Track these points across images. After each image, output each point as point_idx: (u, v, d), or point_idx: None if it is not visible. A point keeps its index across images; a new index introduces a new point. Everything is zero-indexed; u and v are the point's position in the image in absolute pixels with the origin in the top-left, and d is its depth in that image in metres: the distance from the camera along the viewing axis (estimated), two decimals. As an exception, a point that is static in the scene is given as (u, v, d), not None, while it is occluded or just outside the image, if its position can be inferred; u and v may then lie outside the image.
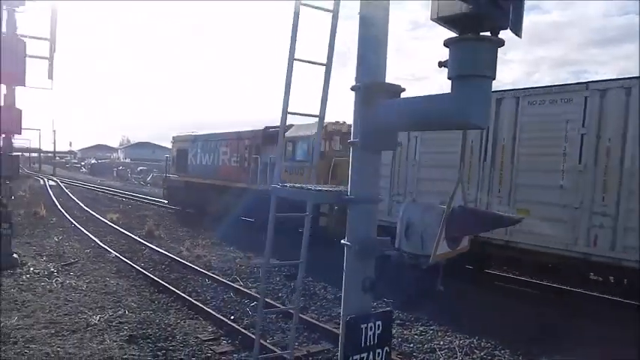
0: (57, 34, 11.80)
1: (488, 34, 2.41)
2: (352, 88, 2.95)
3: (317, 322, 8.02)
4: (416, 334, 7.85)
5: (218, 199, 20.45)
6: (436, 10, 2.42)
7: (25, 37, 11.49)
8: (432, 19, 2.48)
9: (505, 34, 2.44)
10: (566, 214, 9.10)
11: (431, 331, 7.97)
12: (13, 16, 11.24)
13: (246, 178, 18.84)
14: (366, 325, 2.91)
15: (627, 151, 8.41)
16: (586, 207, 8.86)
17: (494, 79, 2.43)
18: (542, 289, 10.94)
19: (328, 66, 3.56)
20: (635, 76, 8.49)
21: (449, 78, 2.47)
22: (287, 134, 16.11)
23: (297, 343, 6.93)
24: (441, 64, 2.50)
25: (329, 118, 13.11)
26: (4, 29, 11.16)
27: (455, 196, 2.68)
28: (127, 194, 34.95)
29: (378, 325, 2.96)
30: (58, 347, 6.84)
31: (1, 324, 7.59)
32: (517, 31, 2.44)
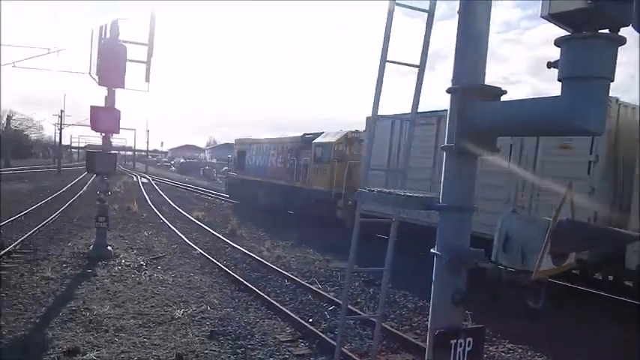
0: (154, 40, 12.41)
1: (606, 31, 2.19)
2: (448, 90, 2.80)
3: (397, 332, 7.83)
4: (503, 352, 7.43)
5: (266, 194, 24.54)
6: (547, 7, 2.23)
7: (126, 42, 12.16)
8: (542, 17, 2.29)
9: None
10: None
11: (520, 350, 7.50)
12: (117, 23, 11.93)
13: (287, 177, 22.44)
14: (455, 340, 2.74)
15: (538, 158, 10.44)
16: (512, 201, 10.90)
17: (612, 81, 2.20)
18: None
19: (421, 67, 3.44)
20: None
21: (559, 80, 2.27)
22: (317, 140, 20.69)
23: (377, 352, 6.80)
24: (550, 65, 2.31)
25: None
26: (108, 35, 11.89)
27: (562, 207, 2.46)
28: (212, 193, 36.13)
29: (469, 342, 2.77)
30: (145, 338, 7.14)
31: (95, 312, 8.05)
32: None
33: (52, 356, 6.31)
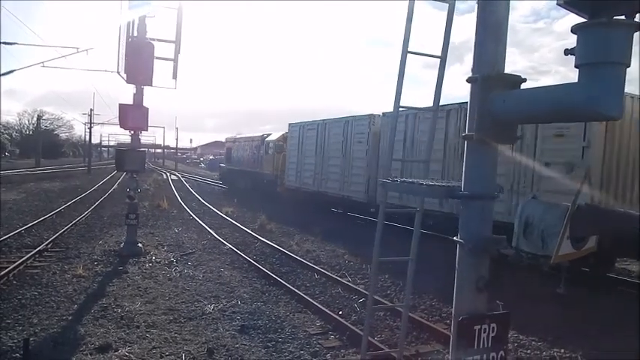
0: (181, 37, 12.52)
1: (622, 17, 2.20)
2: (469, 80, 2.83)
3: (426, 322, 7.86)
4: (534, 340, 7.35)
5: (243, 179, 33.50)
6: (563, -6, 2.25)
7: (154, 40, 12.25)
8: (558, 4, 2.31)
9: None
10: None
11: (550, 338, 7.41)
12: (144, 21, 12.03)
13: (253, 166, 31.48)
14: (479, 326, 2.78)
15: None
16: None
17: (628, 66, 2.21)
18: None
19: (443, 58, 3.47)
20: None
21: (576, 66, 2.29)
22: (267, 138, 29.69)
23: (405, 343, 6.82)
24: (567, 52, 2.33)
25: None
26: (135, 33, 12.03)
27: (580, 193, 2.48)
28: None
29: (493, 328, 2.81)
30: (176, 333, 7.25)
31: (126, 308, 8.22)
32: None
33: (84, 352, 6.43)
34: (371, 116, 18.71)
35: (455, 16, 3.46)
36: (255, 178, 30.94)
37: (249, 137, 34.05)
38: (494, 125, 2.66)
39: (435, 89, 3.68)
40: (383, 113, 18.09)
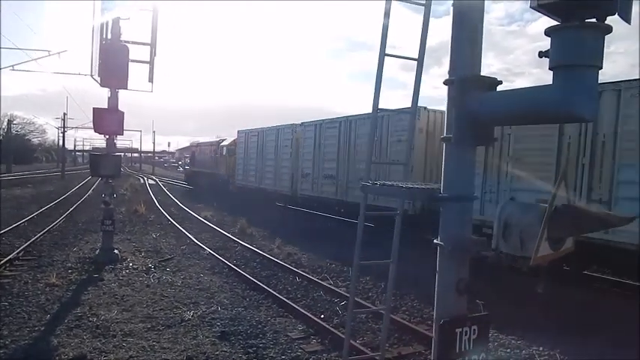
0: (157, 39, 12.38)
1: (593, 20, 2.23)
2: (445, 82, 2.84)
3: (408, 324, 7.88)
4: (513, 339, 7.44)
5: (203, 179, 37.40)
6: (537, -2, 2.27)
7: (129, 42, 12.07)
8: (531, 7, 2.34)
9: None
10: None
11: (529, 336, 7.50)
12: (118, 23, 11.84)
13: (212, 167, 35.61)
14: (461, 329, 2.79)
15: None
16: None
17: (600, 68, 2.25)
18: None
19: (420, 60, 3.47)
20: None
21: (550, 69, 2.31)
22: (222, 143, 33.98)
23: (387, 345, 6.83)
24: (541, 55, 2.35)
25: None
26: (109, 36, 11.85)
27: (557, 193, 2.50)
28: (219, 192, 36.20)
29: (474, 330, 2.82)
30: (154, 341, 7.10)
31: (102, 317, 8.01)
32: (626, 17, 2.24)
33: (58, 364, 6.23)
34: (293, 125, 23.46)
35: (433, 19, 3.47)
36: (213, 178, 35.31)
37: (209, 142, 39.83)
38: (471, 127, 2.68)
39: (413, 91, 3.68)
40: (301, 123, 22.30)
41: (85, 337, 7.17)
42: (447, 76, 2.91)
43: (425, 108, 15.41)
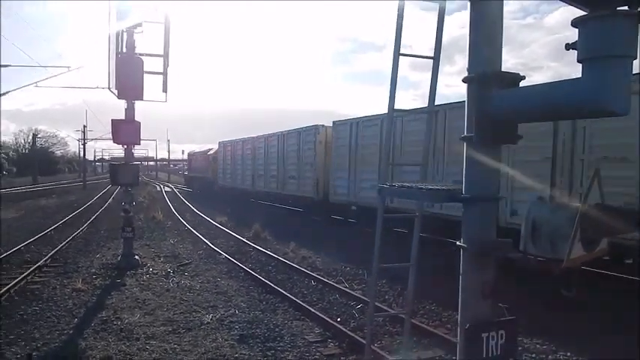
0: (169, 51, 12.53)
1: (625, 8, 2.11)
2: (464, 80, 2.74)
3: (427, 327, 7.74)
4: (538, 344, 7.19)
5: (198, 183, 45.72)
6: (562, -14, 2.17)
7: (143, 54, 12.32)
8: (557, -2, 2.23)
9: None
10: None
11: (556, 342, 7.22)
12: (132, 36, 12.08)
13: (204, 172, 42.52)
14: (487, 334, 2.67)
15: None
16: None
17: (634, 58, 2.12)
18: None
19: (436, 59, 3.39)
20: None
21: (579, 61, 2.19)
22: (209, 152, 41.70)
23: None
24: (568, 47, 2.24)
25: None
26: (124, 49, 12.04)
27: (590, 192, 2.39)
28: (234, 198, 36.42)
29: (501, 335, 2.70)
30: (175, 344, 7.19)
31: (126, 321, 8.17)
32: None
33: (86, 366, 6.40)
34: (255, 137, 30.23)
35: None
36: (204, 180, 42.83)
37: (201, 151, 46.84)
38: (493, 125, 2.57)
39: (430, 90, 3.60)
40: (270, 134, 28.16)
41: (110, 340, 7.34)
42: (461, 74, 2.82)
43: (323, 125, 21.79)
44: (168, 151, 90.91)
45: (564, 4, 2.37)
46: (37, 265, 12.04)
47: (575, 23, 2.19)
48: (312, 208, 22.89)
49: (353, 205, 18.83)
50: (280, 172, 25.70)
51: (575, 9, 2.35)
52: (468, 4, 2.75)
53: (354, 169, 18.37)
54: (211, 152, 41.23)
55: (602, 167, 8.88)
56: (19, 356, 6.65)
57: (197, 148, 53.60)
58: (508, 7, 2.73)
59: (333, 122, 20.48)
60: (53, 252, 13.91)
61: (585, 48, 2.16)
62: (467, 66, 2.78)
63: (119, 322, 8.09)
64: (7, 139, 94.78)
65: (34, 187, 48.73)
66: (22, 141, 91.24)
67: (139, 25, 12.14)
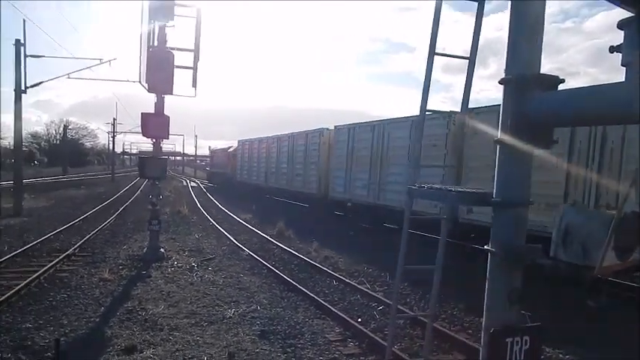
0: (200, 46, 12.65)
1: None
2: (501, 81, 2.69)
3: (449, 332, 7.67)
4: (561, 353, 7.01)
5: (219, 178, 48.92)
6: (608, -12, 2.12)
7: (173, 49, 12.44)
8: (604, -1, 2.17)
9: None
10: None
11: (580, 351, 7.03)
12: (164, 30, 12.19)
13: (225, 168, 45.50)
14: (512, 339, 2.63)
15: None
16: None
17: (685, 61, 2.05)
18: None
19: (472, 59, 3.35)
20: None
21: (623, 65, 2.14)
22: (229, 150, 45.32)
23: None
24: (612, 49, 2.18)
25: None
26: (155, 43, 12.18)
27: (628, 200, 2.33)
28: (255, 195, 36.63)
29: (526, 341, 2.66)
30: (198, 336, 7.30)
31: (150, 311, 8.31)
32: None
33: (111, 353, 6.57)
34: (270, 137, 32.54)
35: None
36: (224, 176, 45.74)
37: (222, 149, 50.59)
38: (529, 129, 2.52)
39: (464, 92, 3.56)
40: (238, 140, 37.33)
41: (135, 330, 7.49)
42: (494, 77, 2.77)
43: (327, 128, 23.58)
44: (195, 147, 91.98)
45: (606, 7, 2.34)
46: (66, 253, 12.34)
47: (621, 25, 2.14)
48: (314, 204, 25.28)
49: (348, 202, 20.76)
50: (289, 170, 28.18)
51: (619, 13, 2.30)
52: (509, 3, 2.71)
53: (350, 169, 20.46)
54: (231, 149, 44.69)
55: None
56: (47, 341, 6.81)
57: (226, 144, 55.75)
58: (548, 9, 2.67)
59: (335, 126, 22.43)
60: (81, 242, 14.24)
61: (631, 51, 2.11)
62: (504, 67, 2.74)
63: (144, 313, 8.24)
64: (40, 129, 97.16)
65: (63, 178, 49.83)
66: (54, 132, 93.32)
67: (171, 19, 12.25)
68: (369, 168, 18.77)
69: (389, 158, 17.66)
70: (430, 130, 14.36)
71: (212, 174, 54.62)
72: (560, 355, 6.96)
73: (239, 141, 41.41)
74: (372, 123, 19.27)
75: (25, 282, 9.34)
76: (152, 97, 12.34)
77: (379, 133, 18.35)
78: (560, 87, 2.62)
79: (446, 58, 3.70)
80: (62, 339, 6.64)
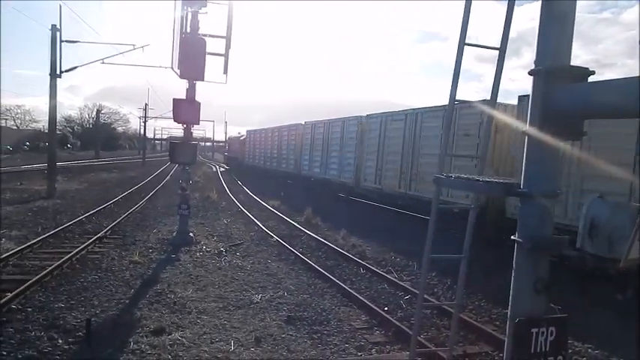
0: (232, 33, 12.71)
1: None
2: (531, 72, 2.69)
3: (475, 323, 7.66)
4: (590, 348, 6.97)
5: (233, 162, 55.44)
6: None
7: (206, 35, 12.51)
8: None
9: None
10: None
11: (608, 346, 6.98)
12: (196, 17, 12.27)
13: (237, 153, 52.61)
14: (537, 329, 2.65)
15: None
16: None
17: None
18: None
19: (502, 50, 3.34)
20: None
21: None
22: (241, 138, 53.38)
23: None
24: (645, 41, 2.17)
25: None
26: (188, 29, 12.28)
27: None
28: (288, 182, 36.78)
29: (551, 332, 2.67)
30: (225, 320, 7.45)
31: (179, 295, 8.49)
32: None
33: (140, 335, 6.72)
34: (274, 127, 37.55)
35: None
36: (236, 160, 52.63)
37: (236, 137, 57.55)
38: (558, 120, 2.52)
39: (494, 82, 3.55)
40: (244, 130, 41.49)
41: (163, 312, 7.66)
42: (527, 67, 2.76)
43: (362, 116, 22.68)
44: (225, 133, 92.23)
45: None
46: (98, 236, 12.65)
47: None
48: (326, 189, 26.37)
49: (378, 191, 20.64)
50: (279, 155, 34.88)
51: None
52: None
53: (381, 157, 20.17)
54: (242, 137, 51.96)
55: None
56: (79, 321, 7.02)
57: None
58: (584, 0, 2.65)
59: (367, 115, 22.15)
60: (113, 224, 14.60)
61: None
62: (534, 58, 2.73)
63: (172, 296, 8.42)
64: (73, 113, 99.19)
65: (96, 161, 51.00)
66: (87, 116, 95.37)
67: (204, 5, 12.33)
68: (401, 157, 18.50)
69: (421, 147, 17.45)
70: (463, 120, 14.23)
71: (229, 158, 62.72)
72: (590, 350, 6.90)
73: (248, 131, 49.69)
74: (405, 112, 18.84)
75: (58, 263, 9.60)
76: (184, 84, 12.47)
77: (411, 122, 18.10)
78: (594, 78, 2.61)
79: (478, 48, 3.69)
80: (93, 319, 6.85)
